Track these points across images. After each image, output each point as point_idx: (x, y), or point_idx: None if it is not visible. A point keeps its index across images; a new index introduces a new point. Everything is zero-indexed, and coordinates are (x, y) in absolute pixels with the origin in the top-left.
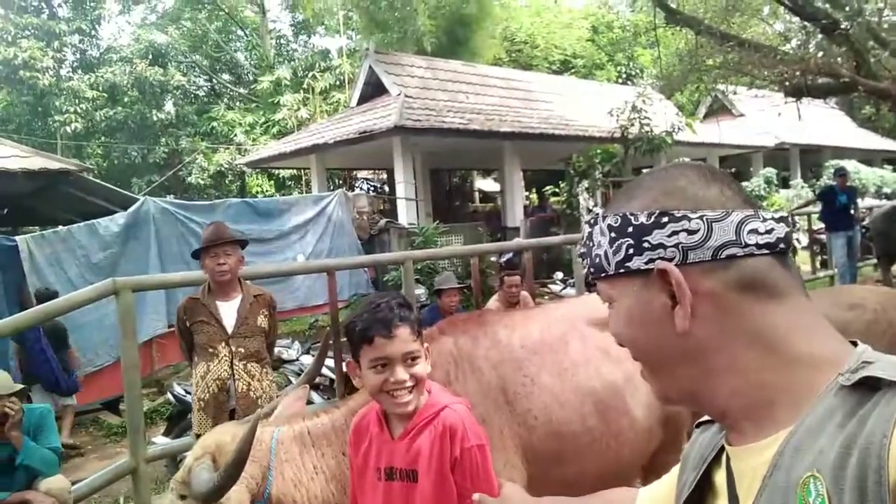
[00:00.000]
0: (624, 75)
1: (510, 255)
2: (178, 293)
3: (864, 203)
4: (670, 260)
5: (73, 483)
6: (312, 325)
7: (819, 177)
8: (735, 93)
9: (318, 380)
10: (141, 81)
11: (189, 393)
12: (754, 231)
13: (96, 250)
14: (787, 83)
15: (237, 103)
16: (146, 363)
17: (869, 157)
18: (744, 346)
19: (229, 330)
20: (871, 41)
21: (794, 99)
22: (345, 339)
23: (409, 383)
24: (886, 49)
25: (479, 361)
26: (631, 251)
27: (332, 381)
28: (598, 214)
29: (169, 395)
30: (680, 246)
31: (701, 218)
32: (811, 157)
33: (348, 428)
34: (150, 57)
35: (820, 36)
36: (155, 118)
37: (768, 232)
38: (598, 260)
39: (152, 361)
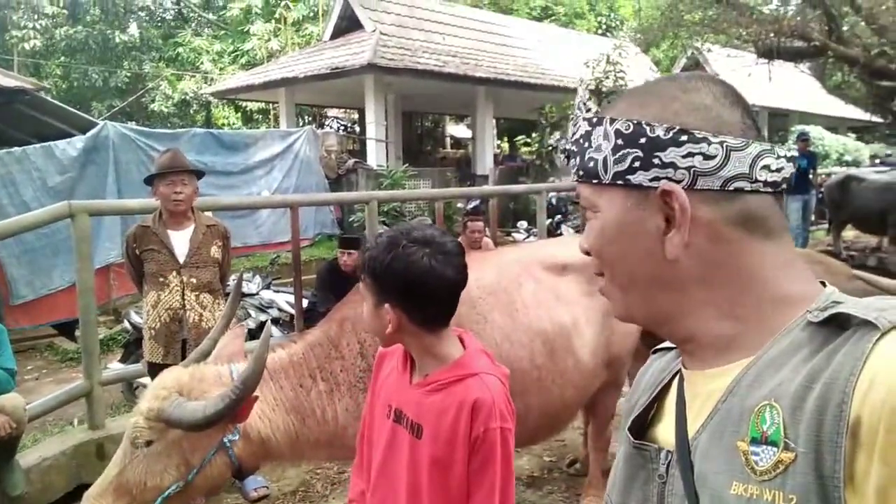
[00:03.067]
0: (604, 26)
1: (476, 201)
2: (134, 221)
3: (824, 169)
4: (678, 182)
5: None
6: (273, 261)
7: (785, 140)
8: (710, 50)
9: (278, 315)
10: (104, 0)
11: None
12: (766, 167)
13: (53, 173)
14: (760, 43)
15: (205, 30)
16: (103, 291)
17: (835, 125)
18: (727, 280)
19: (181, 259)
20: (846, 6)
21: (765, 60)
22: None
23: None
24: (860, 14)
25: None
26: (637, 164)
27: (292, 316)
28: (604, 116)
29: (126, 323)
30: (692, 170)
31: (721, 144)
32: (778, 121)
33: (306, 361)
34: None
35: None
36: (118, 40)
37: (778, 170)
38: (591, 164)
39: (109, 290)
